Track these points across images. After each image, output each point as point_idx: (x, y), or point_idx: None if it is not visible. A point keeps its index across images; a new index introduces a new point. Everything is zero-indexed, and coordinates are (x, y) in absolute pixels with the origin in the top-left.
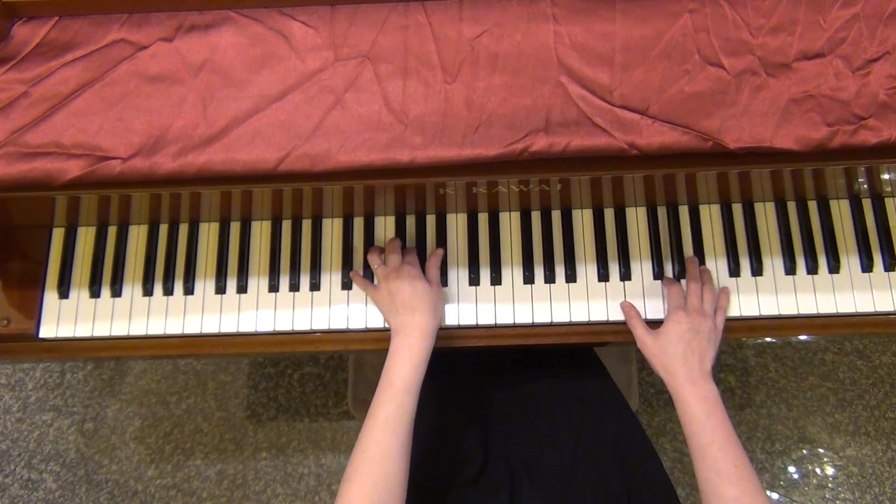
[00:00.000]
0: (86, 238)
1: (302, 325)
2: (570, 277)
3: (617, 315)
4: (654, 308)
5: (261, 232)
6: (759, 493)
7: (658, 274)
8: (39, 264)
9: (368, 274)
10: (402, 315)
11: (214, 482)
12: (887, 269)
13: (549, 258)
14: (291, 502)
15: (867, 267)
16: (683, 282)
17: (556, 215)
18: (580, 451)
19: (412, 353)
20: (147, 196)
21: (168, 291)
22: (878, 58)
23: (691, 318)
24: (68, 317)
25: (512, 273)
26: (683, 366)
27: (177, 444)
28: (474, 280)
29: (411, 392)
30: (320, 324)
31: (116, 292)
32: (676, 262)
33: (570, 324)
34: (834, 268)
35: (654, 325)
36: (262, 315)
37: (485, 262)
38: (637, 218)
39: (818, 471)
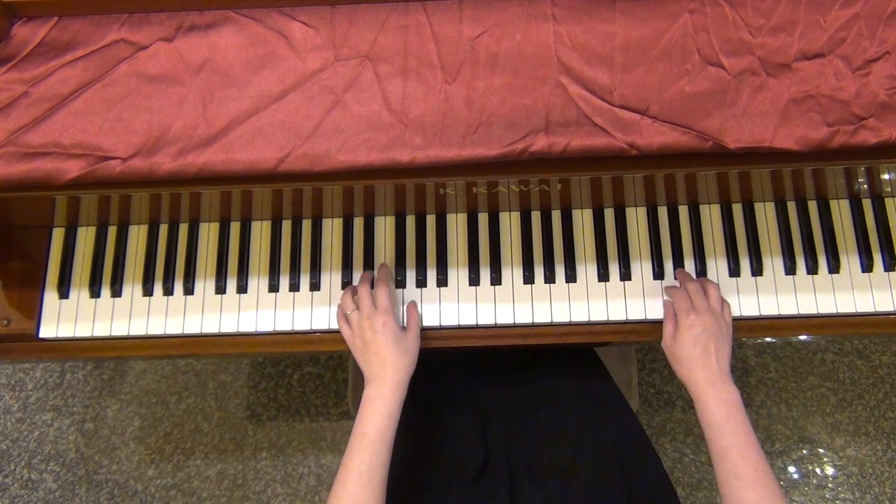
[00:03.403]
0: (86, 238)
1: (302, 325)
2: (570, 277)
3: (617, 315)
4: (654, 308)
5: (261, 232)
6: (779, 497)
7: (658, 274)
8: (39, 264)
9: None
10: (375, 365)
11: (214, 482)
12: (887, 269)
13: (549, 258)
14: (291, 502)
15: (867, 267)
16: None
17: (556, 215)
18: (580, 451)
19: (385, 403)
20: (147, 196)
21: (168, 291)
22: (878, 58)
23: (702, 318)
24: (68, 317)
25: (512, 273)
26: (702, 368)
27: (177, 444)
28: (474, 280)
29: (385, 442)
30: (320, 324)
31: (116, 292)
32: (677, 261)
33: (570, 324)
34: (834, 268)
35: (656, 324)
36: (262, 315)
37: (485, 262)
38: (637, 218)
39: (818, 471)
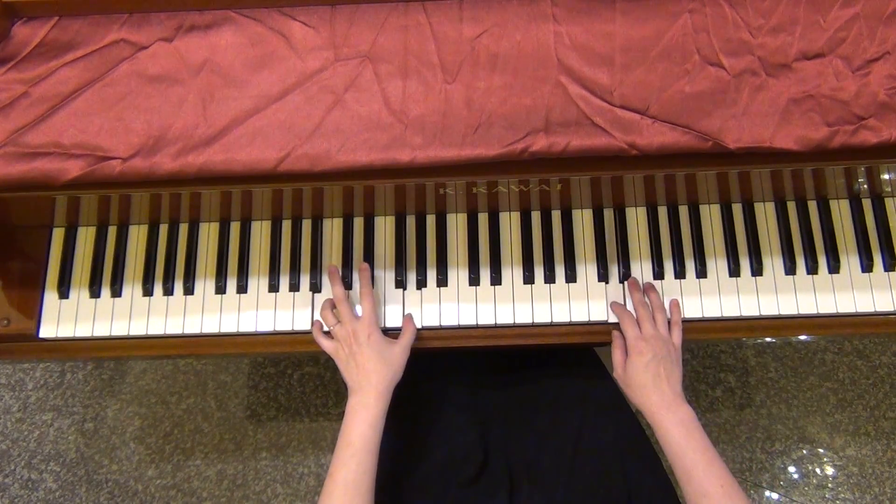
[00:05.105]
0: (86, 238)
1: (302, 325)
2: (570, 277)
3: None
4: None
5: (261, 232)
6: None
7: (658, 274)
8: (39, 264)
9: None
10: (359, 375)
11: (214, 482)
12: (887, 269)
13: (549, 258)
14: (291, 502)
15: (867, 267)
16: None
17: (556, 215)
18: (580, 452)
19: (369, 412)
20: (147, 196)
21: (168, 291)
22: (878, 58)
23: (651, 345)
24: (68, 317)
25: (512, 273)
26: (655, 393)
27: (177, 444)
28: (474, 280)
29: (370, 450)
30: None
31: (116, 292)
32: (676, 261)
33: (570, 324)
34: (834, 268)
35: None
36: (262, 315)
37: (485, 262)
38: (637, 218)
39: (818, 471)
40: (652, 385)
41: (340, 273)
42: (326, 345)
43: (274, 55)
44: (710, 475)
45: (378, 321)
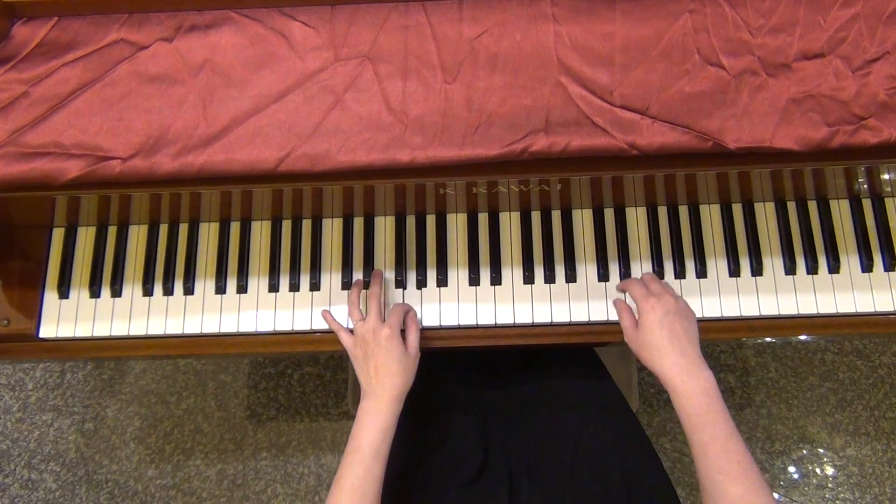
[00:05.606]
0: (86, 238)
1: (302, 325)
2: (570, 277)
3: (617, 315)
4: None
5: (261, 232)
6: (763, 488)
7: (658, 274)
8: (39, 264)
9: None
10: (373, 378)
11: (214, 482)
12: (887, 269)
13: (549, 258)
14: (291, 502)
15: (867, 267)
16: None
17: (556, 215)
18: (580, 452)
19: (380, 418)
20: (147, 196)
21: (168, 291)
22: (878, 58)
23: (662, 301)
24: (68, 317)
25: (512, 273)
26: (674, 351)
27: (177, 444)
28: (474, 280)
29: (379, 457)
30: (320, 324)
31: (116, 292)
32: (676, 261)
33: (570, 324)
34: (834, 268)
35: None
36: (262, 315)
37: (485, 262)
38: (637, 218)
39: (818, 471)
40: (669, 345)
41: (341, 272)
42: (346, 339)
43: (274, 55)
44: (728, 451)
45: (399, 327)
